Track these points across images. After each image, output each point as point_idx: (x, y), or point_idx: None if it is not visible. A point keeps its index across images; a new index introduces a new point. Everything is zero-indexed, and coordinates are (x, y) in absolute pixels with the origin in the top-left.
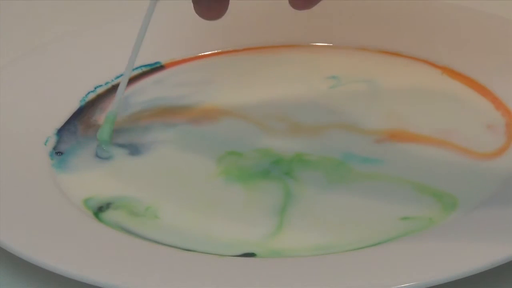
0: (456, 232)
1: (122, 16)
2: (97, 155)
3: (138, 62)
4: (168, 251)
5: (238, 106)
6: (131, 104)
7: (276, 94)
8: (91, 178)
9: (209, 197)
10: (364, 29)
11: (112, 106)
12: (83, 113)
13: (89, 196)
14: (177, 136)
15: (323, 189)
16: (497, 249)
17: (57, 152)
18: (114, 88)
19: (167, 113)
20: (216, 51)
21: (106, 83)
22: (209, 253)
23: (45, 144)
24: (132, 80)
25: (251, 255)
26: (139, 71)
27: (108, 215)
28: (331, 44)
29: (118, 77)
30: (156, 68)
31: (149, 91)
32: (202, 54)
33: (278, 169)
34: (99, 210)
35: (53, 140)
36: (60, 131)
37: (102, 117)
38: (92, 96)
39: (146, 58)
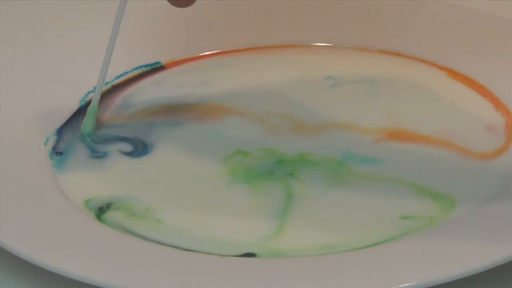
0: (456, 232)
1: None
2: (92, 155)
3: (138, 62)
4: (168, 251)
5: (241, 105)
6: (132, 104)
7: (276, 94)
8: (92, 178)
9: (212, 197)
10: (364, 29)
11: (93, 99)
12: (83, 113)
13: (90, 197)
14: (182, 134)
15: (323, 190)
16: (497, 249)
17: (56, 152)
18: (114, 88)
19: (171, 111)
20: (216, 51)
21: (106, 83)
22: (209, 253)
23: (45, 144)
24: (132, 80)
25: (251, 255)
26: (139, 71)
27: (108, 215)
28: (331, 44)
29: (118, 77)
30: (156, 68)
31: (149, 91)
32: (202, 54)
33: (282, 170)
34: (100, 211)
35: (53, 140)
36: (60, 131)
37: (102, 117)
38: (92, 96)
39: (146, 58)
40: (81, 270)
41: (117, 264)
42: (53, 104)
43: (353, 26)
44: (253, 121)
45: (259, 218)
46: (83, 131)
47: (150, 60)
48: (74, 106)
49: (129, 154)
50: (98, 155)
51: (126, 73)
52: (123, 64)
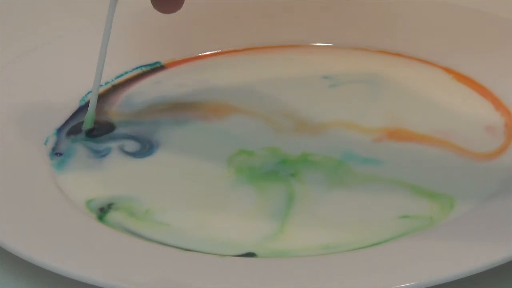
0: (456, 232)
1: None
2: (93, 155)
3: (138, 62)
4: (168, 251)
5: (243, 104)
6: (133, 103)
7: (277, 94)
8: (93, 178)
9: (214, 197)
10: (364, 29)
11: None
12: (83, 113)
13: (91, 197)
14: (187, 132)
15: (324, 190)
16: (497, 249)
17: (56, 153)
18: (114, 88)
19: (176, 109)
20: (216, 51)
21: (106, 83)
22: (210, 253)
23: (45, 144)
24: (132, 80)
25: (251, 255)
26: (139, 71)
27: (109, 215)
28: (331, 44)
29: (118, 77)
30: (156, 68)
31: (150, 91)
32: (202, 54)
33: (285, 170)
34: (101, 211)
35: (53, 140)
36: (60, 131)
37: (102, 117)
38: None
39: (146, 58)
40: (81, 270)
41: (117, 264)
42: (53, 104)
43: (353, 26)
44: (257, 120)
45: (261, 218)
46: (84, 128)
47: (150, 60)
48: (74, 106)
49: (134, 154)
50: (99, 154)
51: (126, 73)
52: (123, 64)
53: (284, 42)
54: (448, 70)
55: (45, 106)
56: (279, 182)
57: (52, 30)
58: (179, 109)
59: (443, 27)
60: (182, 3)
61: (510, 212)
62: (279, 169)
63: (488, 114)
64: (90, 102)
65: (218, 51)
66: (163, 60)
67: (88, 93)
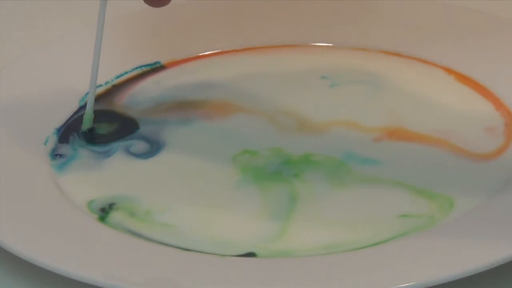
0: (456, 232)
1: (122, 16)
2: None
3: (138, 62)
4: (169, 251)
5: (246, 103)
6: (134, 103)
7: (277, 93)
8: (94, 178)
9: (217, 198)
10: (364, 29)
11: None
12: (83, 113)
13: (92, 198)
14: (192, 131)
15: (325, 191)
16: (497, 249)
17: (56, 154)
18: (114, 88)
19: (180, 108)
20: (216, 51)
21: (106, 83)
22: (210, 253)
23: (45, 144)
24: (132, 80)
25: (252, 255)
26: (139, 71)
27: (110, 215)
28: (331, 44)
29: (118, 77)
30: (156, 68)
31: (150, 91)
32: (202, 54)
33: (288, 171)
34: (102, 211)
35: (53, 140)
36: (60, 131)
37: (101, 116)
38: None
39: (146, 58)
40: (81, 270)
41: (117, 264)
42: (53, 104)
43: (353, 26)
44: (260, 119)
45: (263, 219)
46: (83, 128)
47: (150, 60)
48: (74, 106)
49: (140, 155)
50: (104, 155)
51: (126, 73)
52: (123, 64)
53: (284, 42)
54: (448, 70)
55: (45, 106)
56: (282, 182)
57: (52, 30)
58: (183, 107)
59: (443, 27)
60: None
61: (510, 212)
62: (283, 169)
63: (489, 114)
64: (87, 102)
65: (218, 51)
66: (163, 60)
67: (88, 93)
